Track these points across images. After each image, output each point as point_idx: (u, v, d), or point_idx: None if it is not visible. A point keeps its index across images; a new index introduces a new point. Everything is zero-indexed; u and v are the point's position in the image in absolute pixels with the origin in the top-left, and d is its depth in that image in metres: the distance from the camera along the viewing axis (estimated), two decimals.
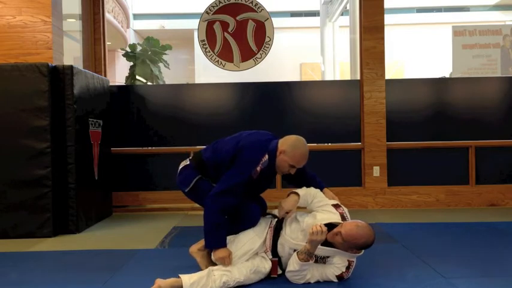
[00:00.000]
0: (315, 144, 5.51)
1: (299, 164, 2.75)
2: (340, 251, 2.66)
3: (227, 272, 2.60)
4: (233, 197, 2.70)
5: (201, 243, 2.90)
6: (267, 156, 2.73)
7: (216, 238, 2.71)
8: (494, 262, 3.11)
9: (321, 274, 2.70)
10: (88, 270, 3.09)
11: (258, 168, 2.71)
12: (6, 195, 4.04)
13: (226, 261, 2.64)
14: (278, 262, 2.77)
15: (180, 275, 2.57)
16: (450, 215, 4.81)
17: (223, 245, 2.69)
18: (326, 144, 5.59)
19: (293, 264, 2.65)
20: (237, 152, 2.75)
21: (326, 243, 2.66)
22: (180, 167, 2.97)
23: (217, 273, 2.58)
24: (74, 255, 3.51)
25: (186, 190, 2.90)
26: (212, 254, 2.72)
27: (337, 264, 2.69)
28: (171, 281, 2.56)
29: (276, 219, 2.86)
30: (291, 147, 2.72)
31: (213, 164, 2.84)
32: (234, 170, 2.72)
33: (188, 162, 2.95)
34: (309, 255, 2.60)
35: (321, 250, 2.67)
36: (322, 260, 2.71)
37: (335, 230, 2.62)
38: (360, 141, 5.36)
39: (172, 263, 3.11)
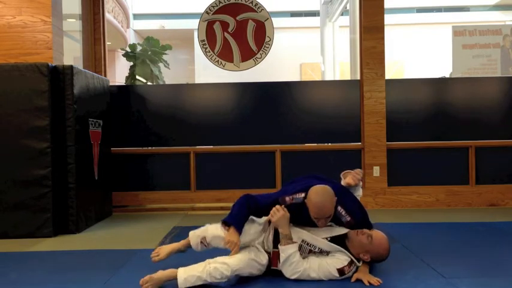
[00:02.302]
0: (315, 144, 5.51)
1: (316, 214, 2.65)
2: (344, 251, 2.69)
3: (222, 264, 2.61)
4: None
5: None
6: (303, 194, 2.70)
7: (234, 216, 2.76)
8: (494, 262, 3.11)
9: (320, 265, 2.67)
10: (88, 270, 3.09)
11: (288, 199, 2.74)
12: (6, 195, 4.04)
13: (236, 247, 2.65)
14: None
15: (179, 268, 2.63)
16: (450, 215, 4.81)
17: (237, 225, 2.71)
18: (326, 144, 5.59)
19: (281, 255, 2.66)
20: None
21: (336, 241, 2.70)
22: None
23: (213, 266, 2.60)
24: (74, 255, 3.51)
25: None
26: (224, 234, 2.74)
27: (339, 257, 2.70)
28: (167, 272, 2.64)
29: None
30: (308, 199, 2.67)
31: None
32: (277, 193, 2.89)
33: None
34: (287, 238, 2.65)
35: (327, 245, 2.70)
36: (324, 252, 2.72)
37: (365, 230, 2.70)
38: (360, 141, 5.36)
39: (172, 263, 3.11)
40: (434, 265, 2.99)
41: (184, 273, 2.59)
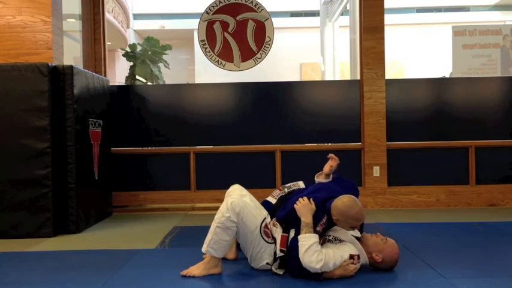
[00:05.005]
0: (315, 144, 5.51)
1: (357, 224, 2.77)
2: (357, 243, 2.76)
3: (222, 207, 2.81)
4: None
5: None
6: (326, 217, 2.80)
7: None
8: (494, 262, 3.11)
9: (334, 251, 2.70)
10: (88, 270, 3.09)
11: (319, 229, 2.77)
12: (6, 195, 4.04)
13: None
14: (286, 239, 2.82)
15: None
16: (450, 215, 4.81)
17: None
18: (326, 144, 5.59)
19: (302, 243, 2.66)
20: None
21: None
22: None
23: (218, 215, 2.79)
24: (74, 255, 3.51)
25: None
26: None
27: (352, 247, 2.76)
28: (203, 263, 2.85)
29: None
30: (342, 215, 2.74)
31: None
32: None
33: None
34: (308, 227, 2.71)
35: (343, 234, 2.77)
36: (337, 240, 2.78)
37: (379, 234, 2.83)
38: (360, 141, 5.36)
39: (173, 263, 3.11)
40: (434, 265, 2.99)
41: (204, 245, 2.81)
